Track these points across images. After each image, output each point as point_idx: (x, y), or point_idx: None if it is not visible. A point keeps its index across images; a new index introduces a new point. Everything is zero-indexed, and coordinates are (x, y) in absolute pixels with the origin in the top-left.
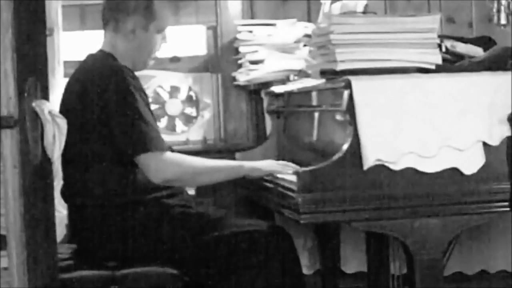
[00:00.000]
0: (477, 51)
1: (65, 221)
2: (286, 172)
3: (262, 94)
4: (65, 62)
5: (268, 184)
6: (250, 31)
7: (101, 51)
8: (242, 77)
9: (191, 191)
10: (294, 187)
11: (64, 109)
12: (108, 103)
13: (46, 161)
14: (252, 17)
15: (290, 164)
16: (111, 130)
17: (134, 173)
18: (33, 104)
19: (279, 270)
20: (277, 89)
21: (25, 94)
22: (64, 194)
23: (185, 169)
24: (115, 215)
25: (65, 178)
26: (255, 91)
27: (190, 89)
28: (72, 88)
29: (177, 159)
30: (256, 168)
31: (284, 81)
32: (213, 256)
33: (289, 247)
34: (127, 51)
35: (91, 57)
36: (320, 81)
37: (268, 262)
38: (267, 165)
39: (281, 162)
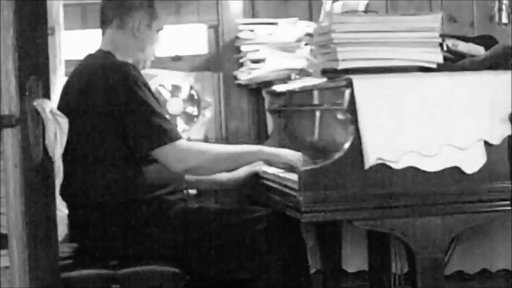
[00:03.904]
0: (479, 50)
1: (66, 220)
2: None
3: (264, 93)
4: (67, 61)
5: (269, 183)
6: (252, 30)
7: (100, 50)
8: (244, 76)
9: (193, 190)
10: (295, 186)
11: (64, 109)
12: (117, 101)
13: (48, 160)
14: (254, 16)
15: (305, 157)
16: (121, 128)
17: (134, 171)
18: (35, 103)
19: (284, 254)
20: (279, 88)
21: (27, 93)
22: (64, 193)
23: (205, 156)
24: (116, 214)
25: (65, 177)
26: (256, 90)
27: (191, 88)
28: (73, 88)
29: (196, 147)
30: (275, 154)
31: (286, 80)
32: (214, 253)
33: (291, 230)
34: (129, 49)
35: (91, 57)
36: (322, 80)
37: (271, 247)
38: (286, 153)
39: (299, 153)
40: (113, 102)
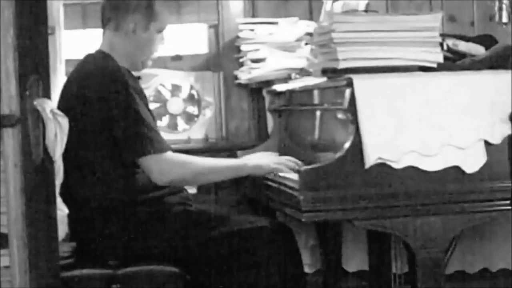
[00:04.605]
0: (479, 50)
1: (66, 219)
2: (288, 170)
3: (264, 93)
4: (67, 61)
5: (270, 183)
6: (252, 30)
7: (99, 51)
8: (244, 75)
9: (192, 190)
10: (296, 186)
11: (62, 109)
12: (108, 106)
13: (48, 159)
14: (254, 16)
15: (293, 159)
16: (113, 133)
17: (134, 172)
18: (35, 103)
19: (281, 267)
20: (279, 87)
21: (27, 93)
22: (63, 193)
23: (188, 170)
24: (116, 214)
25: (65, 177)
26: (256, 90)
27: (191, 87)
28: (71, 89)
29: (180, 160)
30: (259, 166)
31: (286, 79)
32: (214, 254)
33: (291, 243)
34: (127, 51)
35: (89, 57)
36: (322, 80)
37: (269, 259)
38: (271, 162)
39: (285, 157)
40: (104, 108)
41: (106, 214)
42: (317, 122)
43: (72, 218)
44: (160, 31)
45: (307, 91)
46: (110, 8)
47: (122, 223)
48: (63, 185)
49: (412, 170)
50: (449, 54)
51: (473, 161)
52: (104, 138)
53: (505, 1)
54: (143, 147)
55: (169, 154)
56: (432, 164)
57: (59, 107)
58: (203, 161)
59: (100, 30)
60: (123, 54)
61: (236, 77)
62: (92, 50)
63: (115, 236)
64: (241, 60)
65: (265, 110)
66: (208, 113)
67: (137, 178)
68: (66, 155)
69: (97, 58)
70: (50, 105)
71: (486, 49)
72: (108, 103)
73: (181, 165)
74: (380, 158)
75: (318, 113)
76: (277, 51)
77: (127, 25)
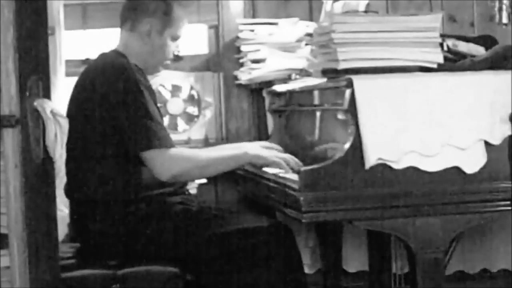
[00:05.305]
0: (479, 50)
1: (67, 220)
2: (288, 169)
3: (264, 93)
4: (67, 61)
5: (270, 183)
6: (252, 30)
7: (113, 50)
8: (244, 76)
9: (193, 190)
10: (296, 186)
11: (73, 107)
12: (116, 99)
13: (48, 160)
14: (254, 16)
15: (295, 159)
16: (118, 126)
17: (136, 170)
18: (35, 103)
19: (281, 267)
20: (279, 88)
21: (27, 93)
22: (67, 191)
23: (191, 163)
24: (117, 213)
25: (68, 175)
26: (256, 90)
27: (191, 88)
28: (82, 86)
29: (183, 154)
30: (260, 156)
31: (286, 80)
32: (215, 254)
33: (291, 243)
34: (140, 53)
35: (102, 55)
36: (322, 80)
37: (269, 260)
38: (272, 155)
39: (287, 155)
40: (112, 102)
41: (107, 213)
42: (317, 123)
43: (73, 217)
44: (175, 38)
45: (307, 91)
46: (128, 8)
47: (122, 223)
48: (67, 183)
49: (412, 171)
50: (449, 55)
51: (473, 161)
52: (109, 134)
53: (505, 2)
54: (148, 140)
55: (173, 150)
56: (432, 165)
57: (70, 105)
58: (205, 154)
59: (100, 30)
60: (136, 55)
61: (236, 78)
62: (107, 49)
63: (116, 236)
64: (241, 60)
65: (265, 110)
66: (208, 113)
67: (138, 177)
68: (71, 153)
69: (109, 56)
70: (50, 105)
71: (486, 49)
72: (116, 96)
73: (184, 160)
74: (380, 159)
75: (318, 113)
76: (277, 52)
77: (142, 26)
